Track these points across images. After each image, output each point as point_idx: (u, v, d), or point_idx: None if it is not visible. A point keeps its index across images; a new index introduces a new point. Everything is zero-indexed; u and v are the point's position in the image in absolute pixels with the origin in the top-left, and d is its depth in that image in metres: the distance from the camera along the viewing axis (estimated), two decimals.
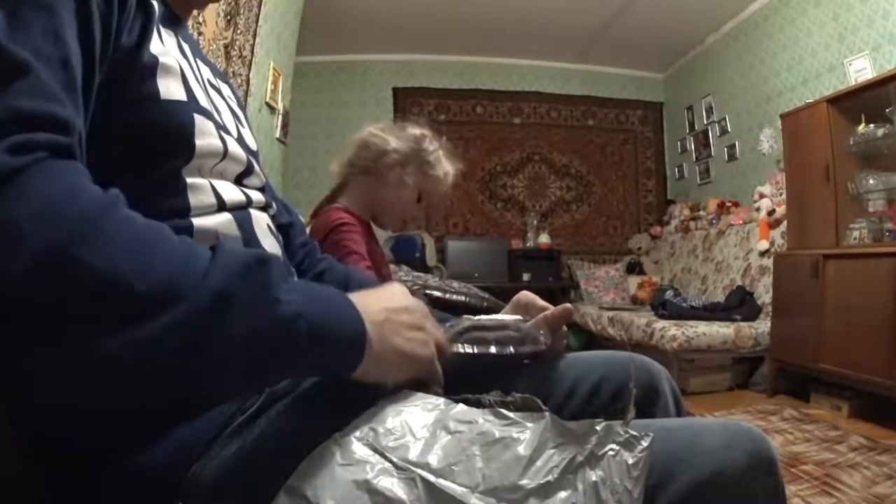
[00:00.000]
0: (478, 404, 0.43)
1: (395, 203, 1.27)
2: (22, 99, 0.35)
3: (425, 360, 0.48)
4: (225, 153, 0.56)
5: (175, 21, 0.61)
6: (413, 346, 0.47)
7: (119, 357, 0.33)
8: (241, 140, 0.62)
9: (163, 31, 0.55)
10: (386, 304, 0.47)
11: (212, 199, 0.53)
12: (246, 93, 2.61)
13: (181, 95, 0.52)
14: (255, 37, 2.66)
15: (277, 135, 3.22)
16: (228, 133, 0.59)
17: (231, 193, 0.56)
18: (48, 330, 0.32)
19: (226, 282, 0.36)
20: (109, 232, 0.34)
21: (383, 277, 1.26)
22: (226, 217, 0.55)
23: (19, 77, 0.36)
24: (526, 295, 0.73)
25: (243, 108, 0.73)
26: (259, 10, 2.68)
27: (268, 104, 2.97)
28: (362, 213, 1.28)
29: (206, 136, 0.53)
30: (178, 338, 0.34)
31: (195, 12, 0.68)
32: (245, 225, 0.57)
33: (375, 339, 0.44)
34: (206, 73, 0.64)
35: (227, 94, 0.68)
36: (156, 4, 0.52)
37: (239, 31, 2.47)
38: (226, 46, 2.35)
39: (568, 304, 0.69)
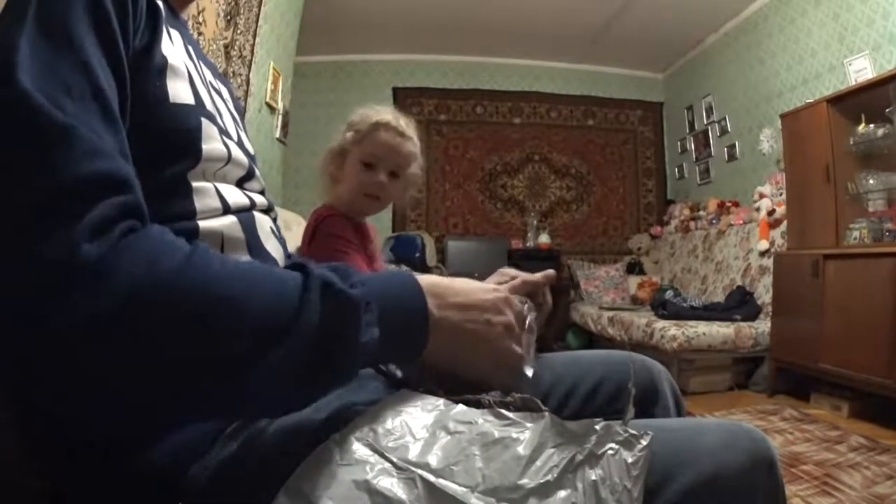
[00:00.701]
0: (477, 405, 0.43)
1: (347, 183, 1.22)
2: (77, 165, 0.35)
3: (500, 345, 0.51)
4: (228, 158, 0.56)
5: (176, 17, 0.61)
6: (484, 329, 0.50)
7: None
8: (240, 144, 0.62)
9: (171, 30, 0.55)
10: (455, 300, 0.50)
11: (217, 203, 0.53)
12: (246, 93, 2.61)
13: (189, 99, 0.52)
14: (255, 37, 2.66)
15: (277, 135, 3.22)
16: (230, 137, 0.59)
17: (235, 197, 0.56)
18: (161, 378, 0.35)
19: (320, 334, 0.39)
20: (191, 303, 0.35)
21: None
22: (231, 220, 0.54)
23: (63, 140, 0.35)
24: (510, 270, 0.70)
25: (241, 110, 0.73)
26: (259, 10, 2.68)
27: (268, 104, 2.97)
28: (343, 208, 1.26)
29: (211, 141, 0.53)
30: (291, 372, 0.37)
31: (194, 11, 0.67)
32: (249, 227, 0.57)
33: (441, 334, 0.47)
34: (208, 75, 0.64)
35: (226, 97, 0.67)
36: (161, 5, 0.52)
37: (239, 31, 2.47)
38: (226, 46, 2.35)
39: (551, 270, 0.66)
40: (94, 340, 0.32)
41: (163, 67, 0.49)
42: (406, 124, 1.21)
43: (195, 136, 0.51)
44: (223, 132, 0.57)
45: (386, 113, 1.20)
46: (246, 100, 2.62)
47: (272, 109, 3.07)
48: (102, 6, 0.42)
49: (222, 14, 2.28)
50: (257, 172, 0.64)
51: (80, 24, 0.40)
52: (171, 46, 0.52)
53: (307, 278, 0.40)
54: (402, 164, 1.21)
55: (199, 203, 0.51)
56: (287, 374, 0.37)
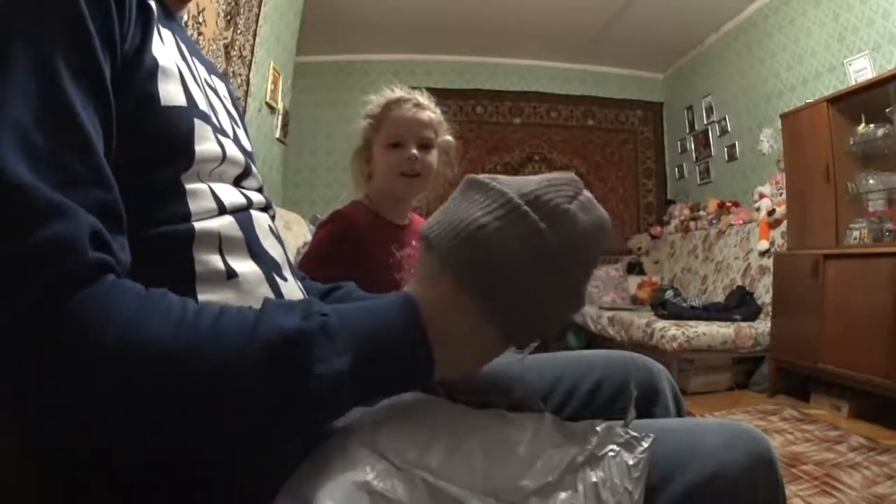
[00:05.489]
0: (478, 405, 0.43)
1: (380, 171, 1.18)
2: (26, 233, 0.34)
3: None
4: (223, 157, 0.55)
5: (169, 16, 0.59)
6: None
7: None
8: (237, 141, 0.61)
9: (162, 30, 0.54)
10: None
11: (212, 204, 0.52)
12: (246, 93, 2.61)
13: (181, 100, 0.51)
14: (255, 37, 2.66)
15: (277, 135, 3.22)
16: (225, 135, 0.58)
17: (231, 196, 0.56)
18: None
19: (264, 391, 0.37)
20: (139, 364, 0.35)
21: (384, 283, 1.13)
22: (227, 220, 0.54)
23: (18, 205, 0.34)
24: None
25: (237, 107, 0.71)
26: (259, 10, 2.68)
27: (268, 104, 2.97)
28: (379, 204, 1.21)
29: (204, 142, 0.52)
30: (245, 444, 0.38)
31: (194, 11, 0.67)
32: (246, 226, 0.56)
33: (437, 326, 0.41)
34: (202, 72, 0.63)
35: (222, 94, 0.66)
36: (153, 4, 0.51)
37: (239, 31, 2.47)
38: (226, 46, 2.35)
39: None
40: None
41: (153, 70, 0.48)
42: (420, 95, 1.18)
43: (188, 139, 0.50)
44: (218, 130, 0.56)
45: (397, 90, 1.17)
46: (246, 100, 2.62)
47: (272, 109, 3.07)
48: (84, 26, 0.41)
49: (222, 14, 2.28)
50: (254, 170, 0.64)
51: (57, 55, 0.39)
52: (162, 47, 0.51)
53: (256, 321, 0.38)
54: (429, 133, 1.16)
55: (194, 205, 0.50)
56: (246, 415, 0.36)
